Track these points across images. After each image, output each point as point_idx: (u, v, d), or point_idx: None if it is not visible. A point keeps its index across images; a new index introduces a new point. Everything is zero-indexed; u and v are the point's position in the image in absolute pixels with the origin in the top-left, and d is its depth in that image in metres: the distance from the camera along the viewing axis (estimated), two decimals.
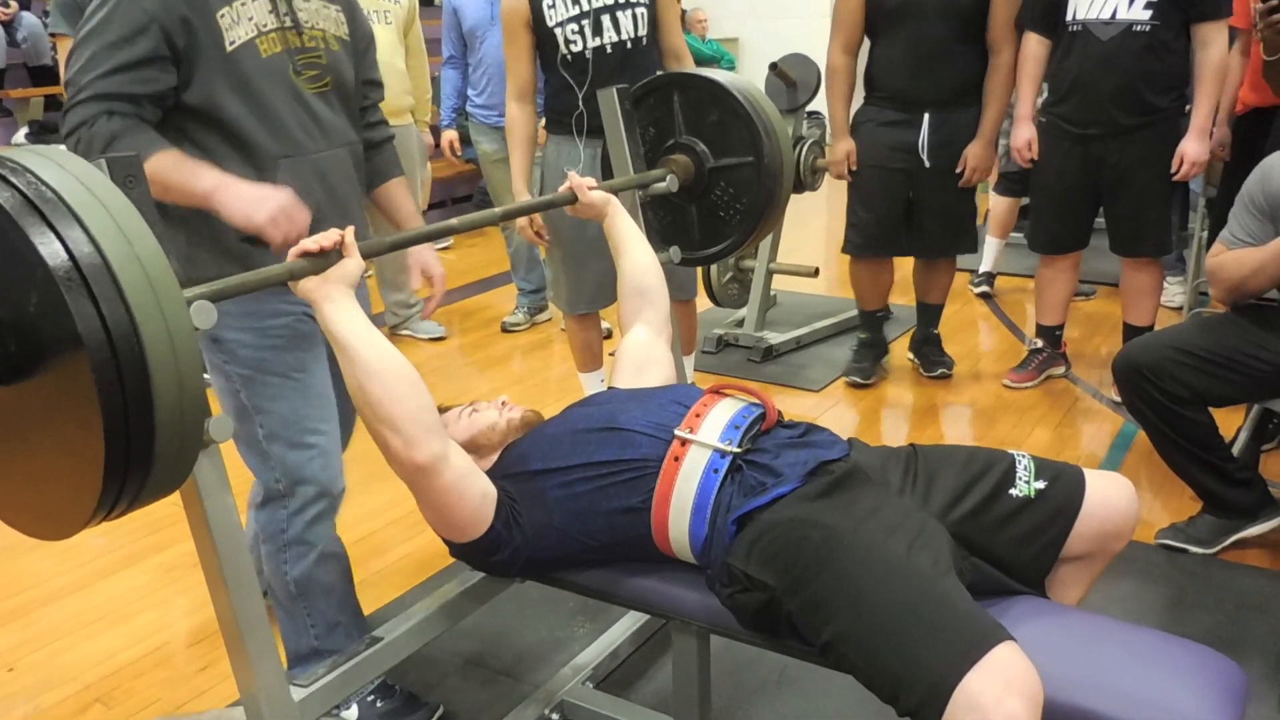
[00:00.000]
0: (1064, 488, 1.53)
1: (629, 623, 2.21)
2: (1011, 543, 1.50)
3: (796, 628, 1.39)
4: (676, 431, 1.55)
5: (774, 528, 1.43)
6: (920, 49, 3.29)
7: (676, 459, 1.53)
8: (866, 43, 3.47)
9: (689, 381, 2.57)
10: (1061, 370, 3.73)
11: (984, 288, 4.94)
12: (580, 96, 2.73)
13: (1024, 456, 1.57)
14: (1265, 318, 2.35)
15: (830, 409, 3.59)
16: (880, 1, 3.30)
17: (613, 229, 1.99)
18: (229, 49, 1.68)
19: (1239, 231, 2.33)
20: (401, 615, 1.70)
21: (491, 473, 1.60)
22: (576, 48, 2.71)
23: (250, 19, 1.70)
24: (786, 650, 1.46)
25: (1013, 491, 1.52)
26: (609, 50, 2.72)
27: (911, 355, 3.95)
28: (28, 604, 2.46)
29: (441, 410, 1.71)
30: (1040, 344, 3.71)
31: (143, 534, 2.69)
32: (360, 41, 1.95)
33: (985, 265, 4.95)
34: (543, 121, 3.07)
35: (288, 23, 1.75)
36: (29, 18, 5.63)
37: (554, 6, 2.69)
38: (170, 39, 1.63)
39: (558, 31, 2.70)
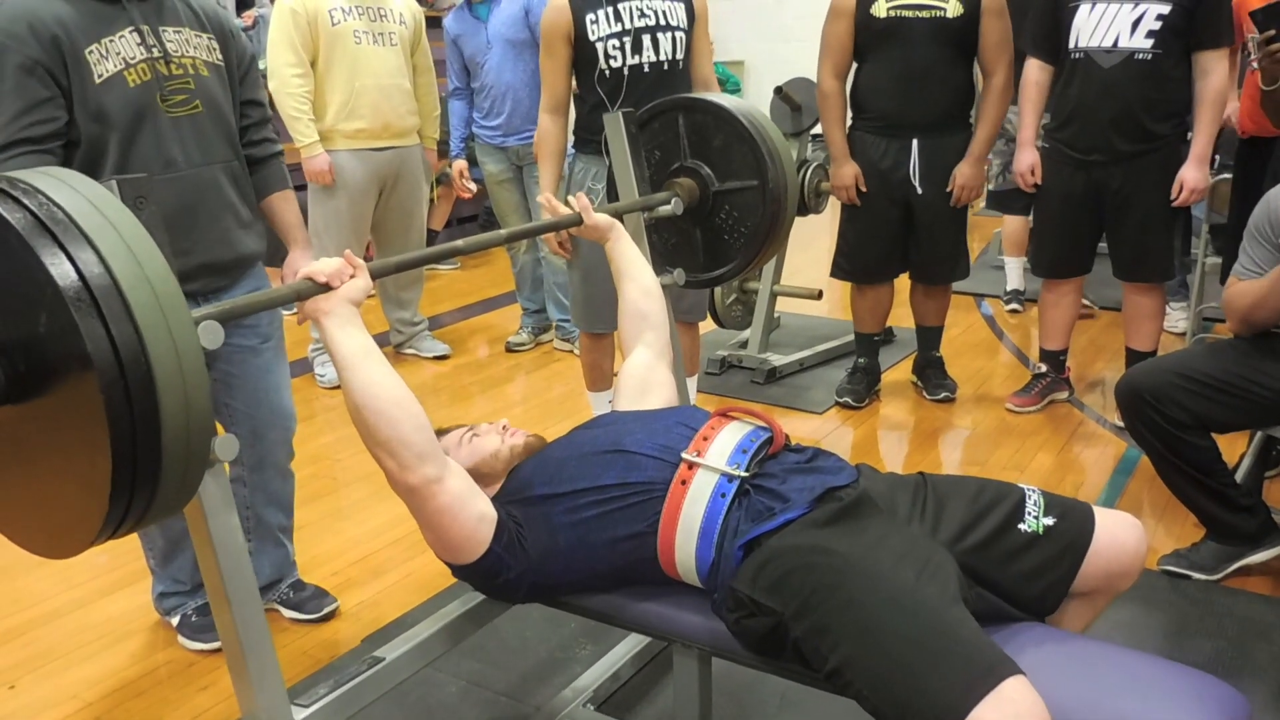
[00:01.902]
0: (1073, 525, 1.52)
1: (630, 645, 2.21)
2: (1019, 577, 1.49)
3: (802, 653, 1.38)
4: (684, 454, 1.55)
5: (781, 554, 1.43)
6: (908, 71, 3.31)
7: (684, 482, 1.53)
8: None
9: (692, 403, 2.57)
10: (1064, 395, 3.73)
11: (1014, 305, 4.97)
12: None
13: (1034, 491, 1.56)
14: (1269, 344, 2.35)
15: (832, 431, 3.59)
16: (868, 24, 3.32)
17: (615, 254, 2.01)
18: (98, 82, 1.86)
19: (1249, 264, 2.34)
20: (403, 635, 1.70)
21: (497, 498, 1.60)
22: (616, 63, 2.75)
23: (119, 53, 1.89)
24: (788, 674, 1.46)
25: (1021, 526, 1.51)
26: (646, 69, 2.77)
27: (915, 378, 3.95)
28: (29, 622, 2.46)
29: (442, 432, 1.71)
30: (1044, 368, 3.71)
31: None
32: (237, 67, 2.12)
33: (1011, 283, 5.00)
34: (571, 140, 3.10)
35: (156, 53, 1.93)
36: None
37: (596, 22, 2.74)
38: (54, 77, 1.82)
39: (598, 46, 2.75)
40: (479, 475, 1.65)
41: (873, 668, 1.29)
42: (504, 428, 1.75)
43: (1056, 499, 1.56)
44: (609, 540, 1.55)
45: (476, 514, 1.52)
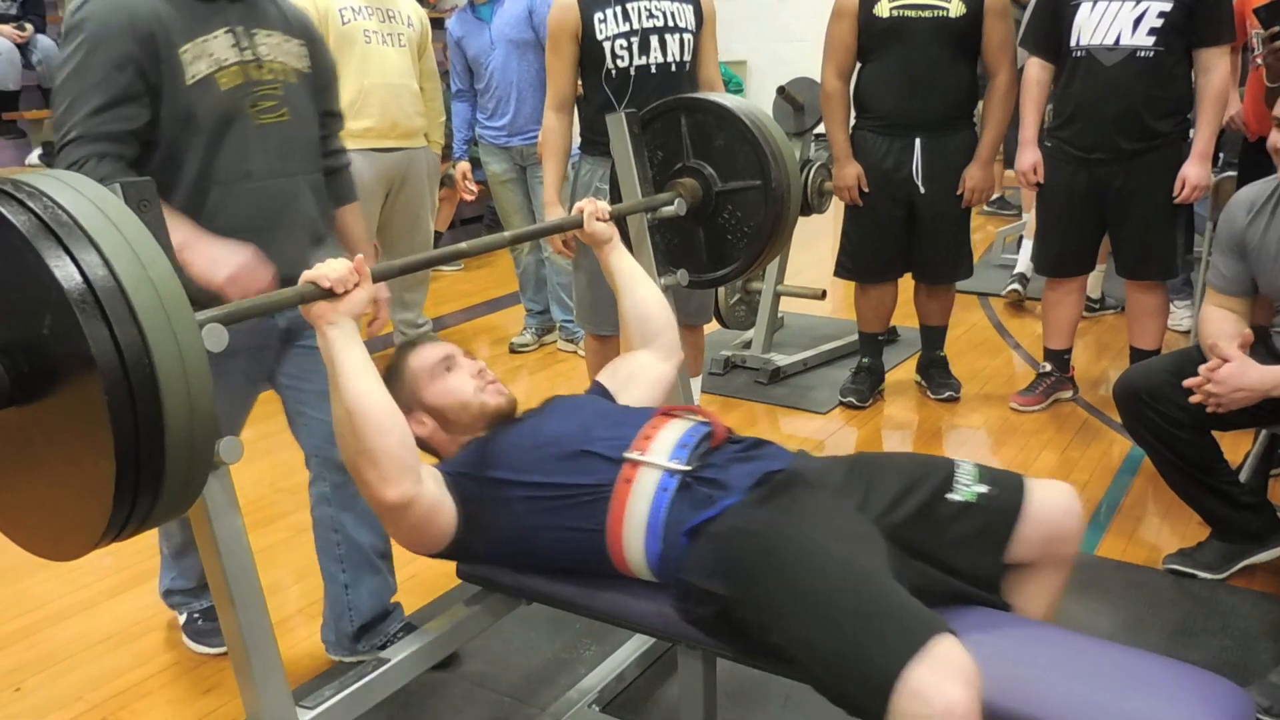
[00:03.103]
0: (1003, 492, 1.56)
1: (635, 645, 2.20)
2: (952, 546, 1.53)
3: (749, 636, 1.42)
4: (626, 454, 1.59)
5: (719, 537, 1.47)
6: (911, 71, 3.31)
7: (628, 480, 1.57)
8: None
9: (695, 404, 2.57)
10: (1069, 394, 3.73)
11: (1014, 285, 4.97)
12: None
13: (965, 463, 1.60)
14: (1264, 343, 2.35)
15: (836, 431, 3.59)
16: (871, 23, 3.32)
17: (613, 267, 2.00)
18: (189, 83, 1.77)
19: (1216, 277, 2.39)
20: (408, 637, 1.70)
21: (453, 463, 1.65)
22: (623, 63, 2.75)
23: (211, 54, 1.80)
24: (793, 675, 1.46)
25: (951, 496, 1.55)
26: (653, 70, 2.77)
27: (918, 378, 3.95)
28: (34, 624, 2.47)
29: (411, 346, 1.77)
30: (1048, 367, 3.70)
31: (150, 554, 2.68)
32: (322, 75, 2.04)
33: (1020, 266, 4.98)
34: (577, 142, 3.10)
35: (248, 56, 1.84)
36: (44, 41, 5.67)
37: (605, 21, 2.74)
38: (145, 75, 1.73)
39: (606, 45, 2.75)
40: (442, 419, 1.70)
41: (808, 638, 1.32)
42: (480, 372, 1.77)
43: (989, 470, 1.60)
44: (559, 536, 1.59)
45: (446, 519, 1.57)
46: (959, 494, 1.54)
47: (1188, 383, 2.20)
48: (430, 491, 1.54)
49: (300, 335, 2.01)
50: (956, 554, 1.52)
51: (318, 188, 2.01)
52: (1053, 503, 1.56)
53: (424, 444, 1.72)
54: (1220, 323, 2.32)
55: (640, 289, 1.98)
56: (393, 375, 1.69)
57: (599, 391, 1.89)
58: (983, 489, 1.55)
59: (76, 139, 1.70)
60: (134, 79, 1.72)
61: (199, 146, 1.79)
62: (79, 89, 1.70)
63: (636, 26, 2.74)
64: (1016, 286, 4.99)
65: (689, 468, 1.56)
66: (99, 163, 1.68)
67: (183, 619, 2.35)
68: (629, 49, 2.75)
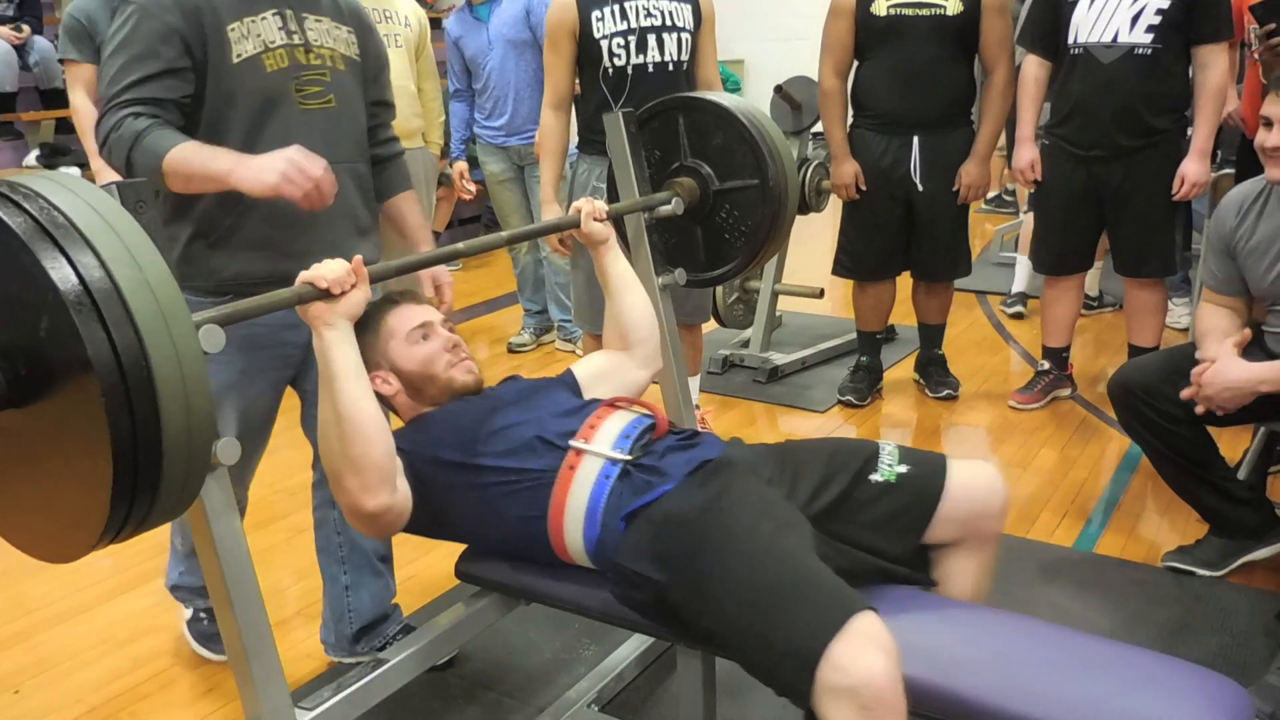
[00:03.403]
0: (925, 472, 1.61)
1: (634, 645, 2.20)
2: (874, 525, 1.58)
3: (685, 620, 1.45)
4: (570, 442, 1.62)
5: (653, 523, 1.51)
6: (909, 69, 3.31)
7: (571, 468, 1.60)
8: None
9: (694, 404, 2.57)
10: (1067, 392, 3.73)
11: (1017, 308, 4.84)
12: None
13: (889, 445, 1.65)
14: (1258, 338, 2.35)
15: (834, 430, 3.59)
16: (869, 22, 3.32)
17: (606, 269, 1.99)
18: (235, 61, 1.76)
19: (1209, 276, 2.42)
20: (407, 638, 1.70)
21: (405, 432, 1.67)
22: (619, 62, 2.75)
23: (259, 35, 1.78)
24: (728, 657, 1.48)
25: (873, 477, 1.60)
26: (650, 69, 2.77)
27: (917, 376, 3.95)
28: (33, 626, 2.46)
29: (391, 301, 1.77)
30: (1047, 365, 3.70)
31: (148, 556, 2.69)
32: (372, 64, 2.00)
33: (1018, 285, 4.89)
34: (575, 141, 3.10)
35: (296, 40, 1.83)
36: (41, 42, 5.67)
37: (602, 19, 2.74)
38: (190, 49, 1.72)
39: (603, 44, 2.75)
40: (409, 383, 1.73)
41: (736, 621, 1.36)
42: (455, 347, 1.78)
43: (911, 451, 1.65)
44: (505, 518, 1.62)
45: (406, 517, 1.59)
46: (881, 474, 1.60)
47: (1184, 394, 2.22)
48: (401, 504, 1.56)
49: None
50: (879, 533, 1.58)
51: (362, 178, 1.98)
52: (974, 481, 1.61)
53: (386, 402, 1.74)
54: (1212, 319, 2.33)
55: (629, 296, 1.98)
56: (367, 326, 1.66)
57: (567, 380, 1.90)
58: (903, 469, 1.61)
59: (117, 105, 1.69)
60: (179, 53, 1.71)
61: (241, 126, 1.77)
62: (124, 60, 1.70)
63: (634, 25, 2.74)
64: (1020, 309, 4.82)
65: (630, 457, 1.60)
66: (136, 118, 1.67)
67: (188, 614, 2.33)
68: (626, 47, 2.75)
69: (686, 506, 1.51)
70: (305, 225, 1.81)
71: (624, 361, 1.97)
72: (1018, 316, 4.83)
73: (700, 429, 2.08)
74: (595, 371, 1.94)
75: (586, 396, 1.86)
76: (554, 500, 1.59)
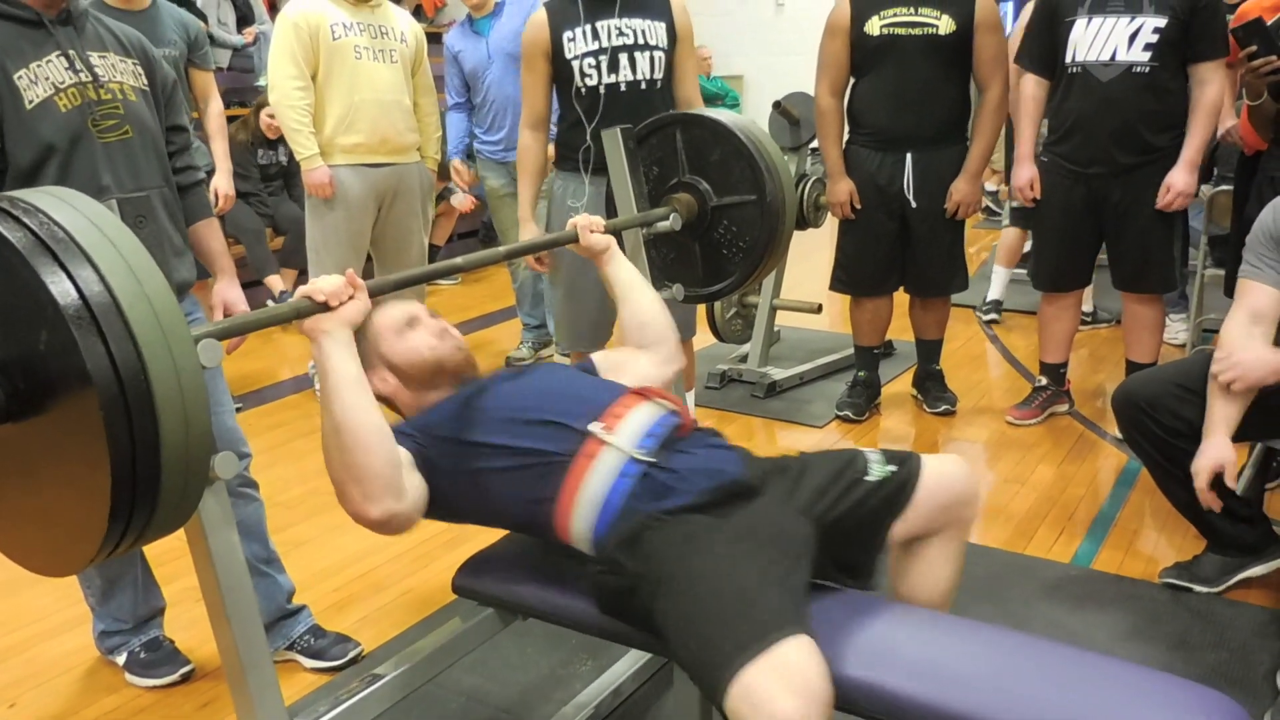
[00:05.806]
0: (905, 468, 1.68)
1: (631, 660, 2.20)
2: (866, 517, 1.64)
3: (642, 617, 1.47)
4: (590, 428, 1.61)
5: (651, 526, 1.51)
6: (902, 87, 3.33)
7: (589, 456, 1.59)
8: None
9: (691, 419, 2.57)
10: (1065, 408, 3.73)
11: (991, 315, 4.98)
12: (589, 132, 2.77)
13: (872, 451, 1.71)
14: None
15: (833, 445, 3.59)
16: (863, 41, 3.34)
17: (611, 276, 2.00)
18: (29, 108, 1.80)
19: (1256, 262, 2.24)
20: (403, 652, 1.70)
21: (415, 422, 1.66)
22: (591, 81, 2.76)
23: (47, 78, 1.83)
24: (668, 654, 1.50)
25: (866, 478, 1.65)
26: (622, 89, 2.77)
27: (914, 391, 3.96)
28: (29, 639, 2.46)
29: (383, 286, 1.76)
30: (1044, 381, 3.71)
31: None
32: (162, 92, 2.07)
33: (993, 293, 5.00)
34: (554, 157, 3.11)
35: (85, 78, 1.88)
36: None
37: (574, 40, 2.74)
38: None
39: (575, 64, 2.75)
40: (403, 376, 1.73)
41: (677, 621, 1.38)
42: (442, 331, 1.79)
43: (891, 452, 1.71)
44: (512, 497, 1.62)
45: (423, 502, 1.58)
46: (872, 474, 1.66)
47: (1213, 369, 2.19)
48: (411, 502, 1.53)
49: None
50: (868, 524, 1.65)
51: (169, 202, 2.04)
52: (945, 470, 1.69)
53: (387, 401, 1.74)
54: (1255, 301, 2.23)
55: (639, 297, 1.99)
56: (357, 332, 1.67)
57: (586, 367, 1.92)
58: (892, 468, 1.67)
59: None
60: None
61: (52, 168, 1.83)
62: None
63: (605, 45, 2.75)
64: (995, 315, 5.00)
65: (653, 460, 1.59)
66: None
67: (122, 660, 2.30)
68: (597, 67, 2.76)
69: (692, 524, 1.51)
70: None
71: (643, 359, 1.96)
72: (993, 323, 4.95)
73: None
74: (614, 362, 1.93)
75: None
76: (566, 486, 1.58)
